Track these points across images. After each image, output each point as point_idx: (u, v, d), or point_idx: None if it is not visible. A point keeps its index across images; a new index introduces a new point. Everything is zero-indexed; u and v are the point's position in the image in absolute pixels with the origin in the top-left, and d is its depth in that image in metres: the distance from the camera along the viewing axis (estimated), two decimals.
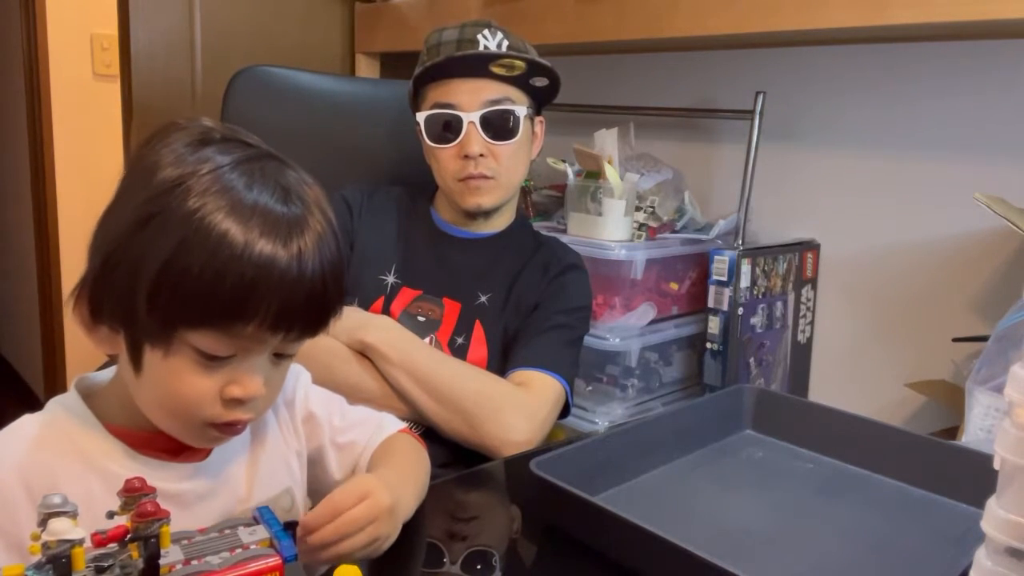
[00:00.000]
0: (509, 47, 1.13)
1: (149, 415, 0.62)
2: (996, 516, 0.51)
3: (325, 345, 1.03)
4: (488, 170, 1.14)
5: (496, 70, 1.12)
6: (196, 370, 0.58)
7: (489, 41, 1.12)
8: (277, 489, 0.71)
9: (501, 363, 1.14)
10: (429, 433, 1.03)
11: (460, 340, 1.14)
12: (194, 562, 0.51)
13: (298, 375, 0.77)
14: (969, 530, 0.56)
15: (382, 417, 0.83)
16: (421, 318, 1.15)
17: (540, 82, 1.17)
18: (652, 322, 1.53)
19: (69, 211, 2.71)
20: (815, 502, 0.84)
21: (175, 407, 0.60)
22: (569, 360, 1.14)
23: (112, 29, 1.96)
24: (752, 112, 1.50)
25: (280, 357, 0.63)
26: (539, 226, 1.54)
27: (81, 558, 0.47)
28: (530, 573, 0.74)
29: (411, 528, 0.71)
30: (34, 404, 3.00)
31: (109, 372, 0.67)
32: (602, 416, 1.50)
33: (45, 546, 0.46)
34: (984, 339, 1.03)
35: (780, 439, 0.96)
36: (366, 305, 1.15)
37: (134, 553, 0.50)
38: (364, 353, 1.06)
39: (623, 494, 0.82)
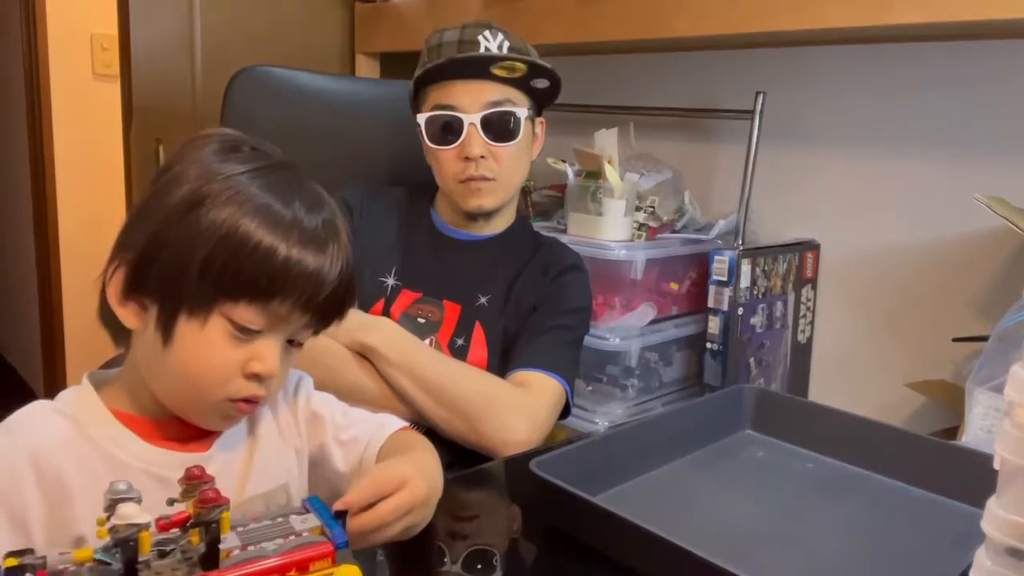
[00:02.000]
0: (510, 48, 1.13)
1: (166, 394, 0.66)
2: (996, 516, 0.51)
3: (325, 346, 1.03)
4: (489, 171, 1.14)
5: (497, 72, 1.12)
6: (227, 342, 0.63)
7: (490, 42, 1.12)
8: (272, 484, 0.72)
9: (501, 364, 1.14)
10: (429, 434, 1.02)
11: (460, 341, 1.14)
12: (250, 548, 0.53)
13: (301, 378, 0.79)
14: (969, 530, 0.56)
15: (384, 416, 0.84)
16: (421, 320, 1.15)
17: (541, 84, 1.17)
18: (652, 322, 1.53)
19: (69, 211, 2.71)
20: (815, 502, 0.84)
21: (200, 379, 0.64)
22: (569, 360, 1.14)
23: (112, 29, 1.96)
24: (752, 112, 1.50)
25: (291, 345, 0.68)
26: (539, 226, 1.54)
27: (147, 542, 0.50)
28: (530, 573, 0.74)
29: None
30: None
31: (117, 369, 0.70)
32: (602, 416, 1.50)
33: (113, 529, 0.48)
34: (984, 339, 1.03)
35: (780, 439, 0.96)
36: (366, 307, 1.15)
37: (193, 539, 0.52)
38: (364, 355, 1.06)
39: (623, 494, 0.82)
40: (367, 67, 2.18)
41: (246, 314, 0.63)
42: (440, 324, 1.15)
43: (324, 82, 1.54)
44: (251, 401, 0.66)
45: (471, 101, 1.12)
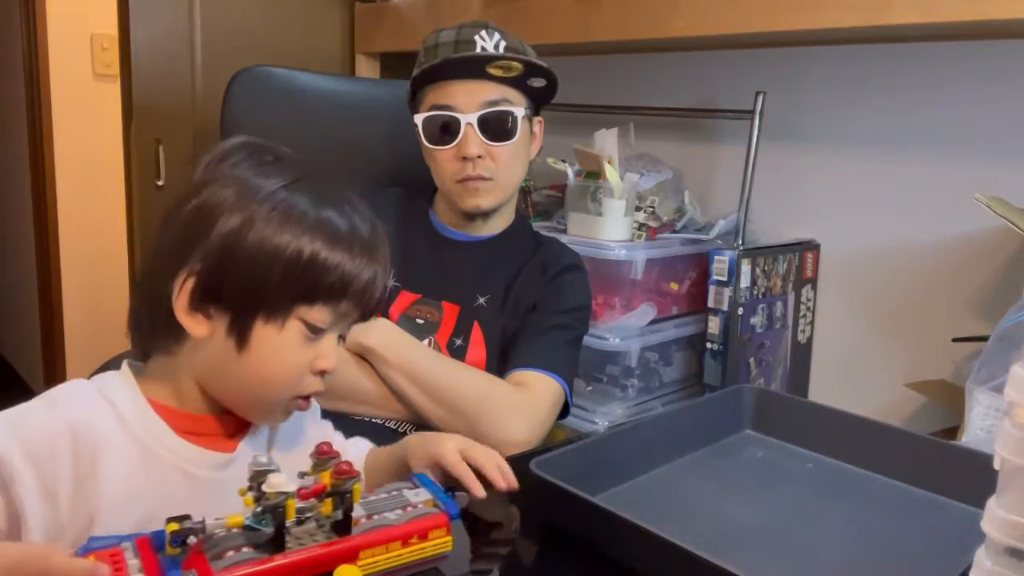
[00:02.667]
0: (507, 48, 1.13)
1: (233, 395, 0.69)
2: (996, 516, 0.51)
3: None
4: (486, 171, 1.14)
5: (493, 71, 1.12)
6: (301, 343, 0.68)
7: (486, 42, 1.12)
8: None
9: (500, 364, 1.14)
10: None
11: (459, 342, 1.14)
12: (375, 517, 0.59)
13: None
14: (969, 530, 0.56)
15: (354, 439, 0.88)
16: (420, 320, 1.15)
17: (538, 83, 1.17)
18: (652, 322, 1.53)
19: (69, 211, 2.71)
20: (815, 502, 0.84)
21: (276, 380, 0.68)
22: (568, 360, 1.14)
23: (112, 29, 1.96)
24: (752, 112, 1.50)
25: (340, 340, 0.73)
26: (539, 226, 1.54)
27: (293, 508, 0.55)
28: (530, 573, 0.74)
29: None
30: None
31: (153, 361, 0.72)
32: (602, 416, 1.50)
33: (264, 497, 0.53)
34: (984, 339, 1.03)
35: (780, 439, 0.96)
36: None
37: (325, 508, 0.57)
38: (363, 356, 1.06)
39: (623, 494, 0.82)
40: (367, 67, 2.18)
41: (319, 315, 0.68)
42: (439, 325, 1.15)
43: (324, 82, 1.54)
44: (310, 397, 0.71)
45: (468, 101, 1.12)
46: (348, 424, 1.04)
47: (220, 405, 0.71)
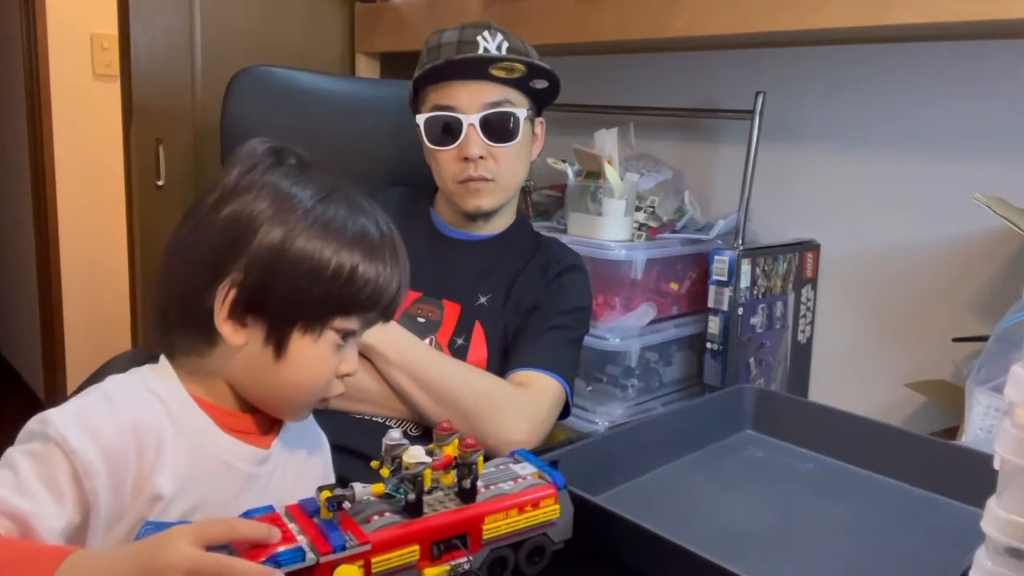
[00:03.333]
0: (509, 49, 1.13)
1: (267, 398, 0.71)
2: (996, 516, 0.51)
3: None
4: (488, 172, 1.14)
5: (496, 72, 1.12)
6: (333, 350, 0.70)
7: (489, 43, 1.12)
8: (311, 485, 0.74)
9: (501, 364, 1.14)
10: (429, 433, 1.03)
11: (460, 341, 1.14)
12: (492, 487, 0.65)
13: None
14: (969, 530, 0.56)
15: None
16: (421, 319, 1.15)
17: (540, 84, 1.17)
18: (652, 322, 1.53)
19: (69, 211, 2.71)
20: (815, 502, 0.84)
21: (309, 385, 0.71)
22: (569, 360, 1.14)
23: (112, 29, 1.96)
24: (752, 112, 1.50)
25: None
26: (539, 226, 1.54)
27: (428, 477, 0.61)
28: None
29: None
30: (34, 404, 3.01)
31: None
32: (602, 416, 1.50)
33: (404, 468, 0.60)
34: (984, 339, 1.03)
35: (780, 439, 0.96)
36: None
37: (447, 479, 0.63)
38: (364, 354, 1.06)
39: (623, 494, 0.82)
40: (367, 67, 2.18)
41: (352, 324, 0.71)
42: (440, 324, 1.15)
43: (324, 82, 1.54)
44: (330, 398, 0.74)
45: (470, 102, 1.12)
46: (348, 423, 1.05)
47: (250, 403, 0.72)
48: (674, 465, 0.90)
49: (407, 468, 0.59)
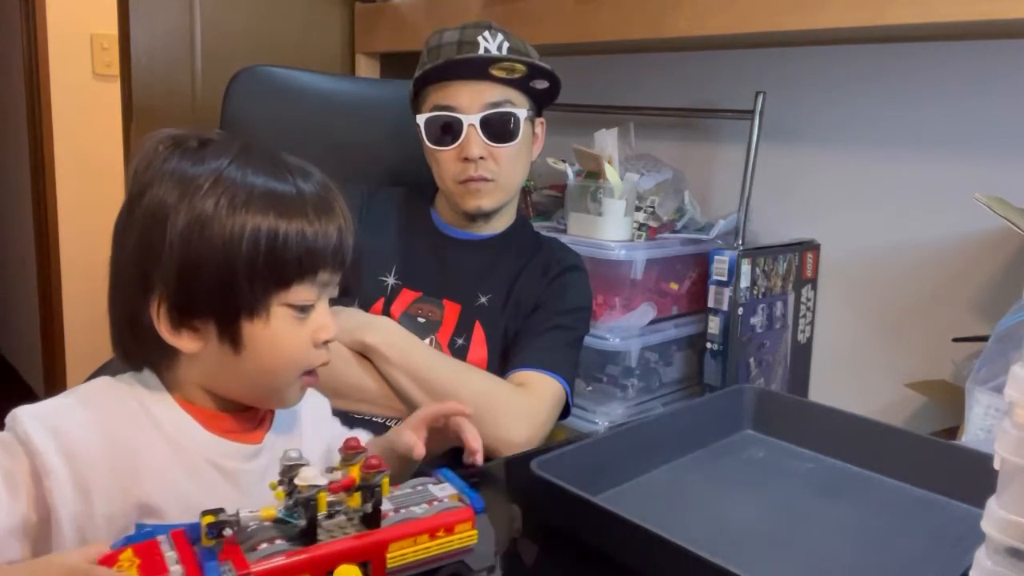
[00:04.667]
0: (510, 49, 1.13)
1: (245, 391, 0.69)
2: (996, 516, 0.51)
3: None
4: (488, 172, 1.14)
5: (496, 73, 1.12)
6: (293, 324, 0.67)
7: (489, 43, 1.12)
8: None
9: (501, 364, 1.14)
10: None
11: (460, 341, 1.14)
12: (402, 511, 0.60)
13: (324, 402, 0.84)
14: (969, 530, 0.56)
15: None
16: (421, 319, 1.15)
17: (540, 84, 1.17)
18: (652, 322, 1.53)
19: (69, 211, 2.71)
20: (815, 502, 0.84)
21: (281, 367, 0.68)
22: (569, 361, 1.14)
23: (112, 29, 1.95)
24: (752, 112, 1.50)
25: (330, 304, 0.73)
26: (539, 226, 1.54)
27: (324, 501, 0.56)
28: (530, 573, 0.74)
29: None
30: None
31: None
32: (602, 416, 1.50)
33: (296, 491, 0.54)
34: (984, 339, 1.03)
35: (780, 439, 0.96)
36: (366, 306, 1.15)
37: (353, 501, 0.57)
38: (364, 354, 1.06)
39: (623, 494, 0.82)
40: (367, 67, 2.18)
41: (300, 294, 0.67)
42: (440, 323, 1.15)
43: (324, 82, 1.54)
44: (315, 372, 0.71)
45: (470, 102, 1.12)
46: (348, 422, 1.04)
47: (232, 405, 0.71)
48: (674, 465, 0.90)
49: (299, 491, 0.55)
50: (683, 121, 1.79)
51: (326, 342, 0.70)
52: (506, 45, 1.13)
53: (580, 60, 1.95)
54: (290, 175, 0.67)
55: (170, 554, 0.53)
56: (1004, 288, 1.33)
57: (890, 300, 1.49)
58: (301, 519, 0.55)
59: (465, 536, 0.61)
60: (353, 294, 1.16)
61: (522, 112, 1.15)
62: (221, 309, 0.65)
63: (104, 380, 0.68)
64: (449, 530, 0.60)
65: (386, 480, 0.58)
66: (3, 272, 3.46)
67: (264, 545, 0.54)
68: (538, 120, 1.22)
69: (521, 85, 1.15)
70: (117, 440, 0.63)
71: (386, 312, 1.15)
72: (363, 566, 0.56)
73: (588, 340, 1.28)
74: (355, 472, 0.58)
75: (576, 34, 1.68)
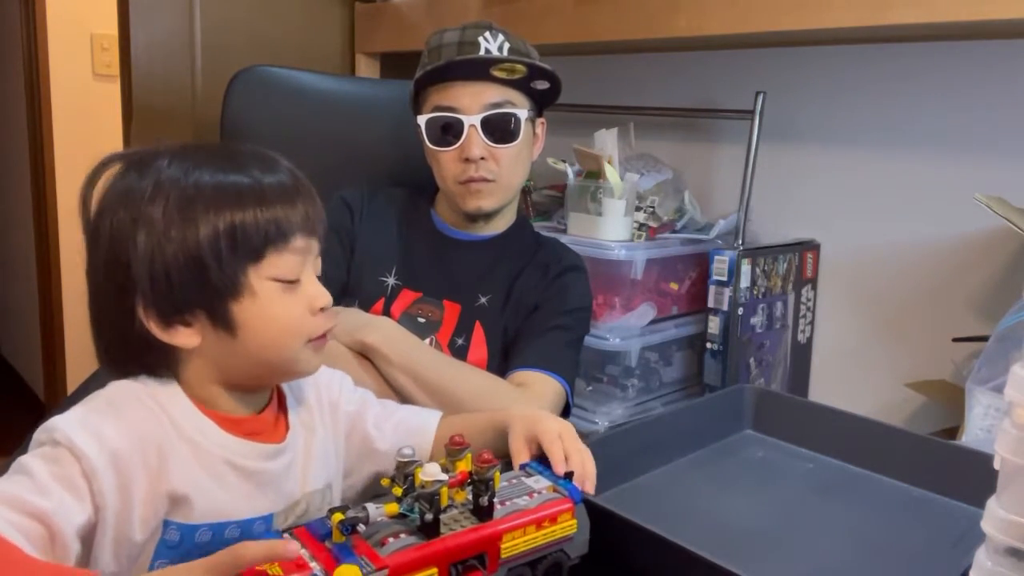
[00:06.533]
0: (510, 49, 1.13)
1: (255, 370, 0.69)
2: (996, 516, 0.51)
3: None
4: (489, 173, 1.14)
5: (497, 73, 1.12)
6: (282, 295, 0.67)
7: (490, 44, 1.12)
8: (320, 484, 0.75)
9: (501, 364, 1.14)
10: None
11: (460, 341, 1.14)
12: (507, 503, 0.63)
13: (342, 379, 0.83)
14: (969, 530, 0.56)
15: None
16: (421, 319, 1.15)
17: (541, 85, 1.17)
18: (652, 322, 1.53)
19: (69, 211, 2.70)
20: (815, 502, 0.84)
21: (280, 336, 0.68)
22: (569, 361, 1.14)
23: (112, 29, 1.96)
24: (752, 112, 1.50)
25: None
26: (539, 226, 1.54)
27: (445, 495, 0.58)
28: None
29: None
30: (34, 404, 2.99)
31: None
32: (602, 416, 1.50)
33: (419, 486, 0.57)
34: (984, 339, 1.03)
35: (780, 439, 0.96)
36: (366, 306, 1.15)
37: (459, 495, 0.61)
38: (364, 354, 1.06)
39: (623, 494, 0.82)
40: (367, 67, 2.18)
41: (280, 266, 0.66)
42: (440, 324, 1.15)
43: (324, 82, 1.54)
44: (326, 335, 0.71)
45: (471, 102, 1.12)
46: None
47: (250, 402, 0.71)
48: (674, 465, 0.90)
49: (422, 486, 0.57)
50: (683, 121, 1.79)
51: (323, 309, 0.69)
52: (507, 46, 1.13)
53: (580, 60, 1.95)
54: (245, 166, 0.67)
55: (303, 552, 0.55)
56: (1004, 288, 1.34)
57: (890, 300, 1.49)
58: (426, 513, 0.57)
59: (567, 526, 0.64)
60: (353, 294, 1.17)
61: (523, 112, 1.15)
62: (204, 298, 0.65)
63: (123, 383, 0.68)
64: (554, 520, 0.63)
65: (497, 474, 0.61)
66: (3, 272, 3.46)
67: (391, 540, 0.56)
68: (538, 120, 1.22)
69: (522, 86, 1.15)
70: (144, 440, 0.64)
71: (386, 312, 1.15)
72: (479, 557, 0.59)
73: (588, 340, 1.28)
74: (463, 466, 0.62)
75: (576, 34, 1.68)
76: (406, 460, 0.59)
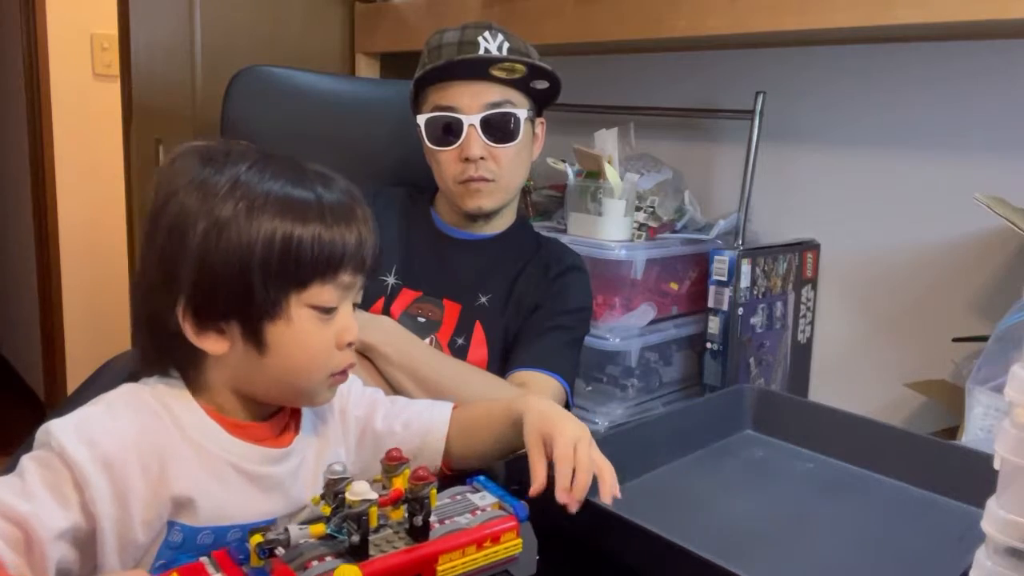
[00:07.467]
0: (510, 49, 1.13)
1: (272, 391, 0.69)
2: (996, 516, 0.51)
3: None
4: (488, 173, 1.14)
5: (497, 73, 1.12)
6: (317, 326, 0.67)
7: (490, 43, 1.12)
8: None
9: (501, 364, 1.14)
10: None
11: (460, 341, 1.14)
12: (447, 522, 0.59)
13: (351, 381, 0.82)
14: (969, 530, 0.56)
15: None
16: (421, 319, 1.15)
17: (541, 85, 1.17)
18: (652, 322, 1.53)
19: (69, 211, 2.71)
20: (815, 502, 0.84)
21: (307, 367, 0.68)
22: (569, 361, 1.14)
23: (112, 29, 1.95)
24: (752, 112, 1.50)
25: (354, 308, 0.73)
26: (539, 226, 1.54)
27: (376, 516, 0.55)
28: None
29: None
30: (34, 404, 2.99)
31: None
32: (602, 416, 1.50)
33: (345, 505, 0.54)
34: (984, 339, 1.03)
35: (780, 439, 0.96)
36: (366, 306, 1.15)
37: (394, 514, 0.57)
38: (364, 353, 1.06)
39: (623, 494, 0.82)
40: (367, 67, 2.18)
41: (322, 295, 0.67)
42: (440, 323, 1.15)
43: (324, 82, 1.54)
44: (347, 370, 0.71)
45: (471, 102, 1.12)
46: None
47: (261, 411, 0.71)
48: (674, 465, 0.90)
49: (350, 506, 0.54)
50: (683, 121, 1.79)
51: (350, 344, 0.70)
52: (506, 45, 1.13)
53: (580, 60, 1.95)
54: (310, 181, 0.68)
55: None
56: (1004, 288, 1.34)
57: (890, 300, 1.49)
58: (353, 535, 0.54)
59: (511, 545, 0.61)
60: None
61: (522, 112, 1.15)
62: (242, 311, 0.65)
63: (127, 387, 0.68)
64: (496, 539, 0.60)
65: (434, 491, 0.58)
66: (3, 272, 3.46)
67: (315, 563, 0.53)
68: (538, 120, 1.22)
69: (521, 85, 1.15)
70: (145, 444, 0.64)
71: (386, 312, 1.15)
72: None
73: (588, 340, 1.28)
74: (399, 483, 0.58)
75: (576, 34, 1.68)
76: (336, 477, 0.55)
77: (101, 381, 1.15)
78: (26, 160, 2.76)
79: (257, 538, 0.53)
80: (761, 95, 1.49)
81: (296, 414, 0.75)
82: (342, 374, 0.71)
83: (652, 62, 1.85)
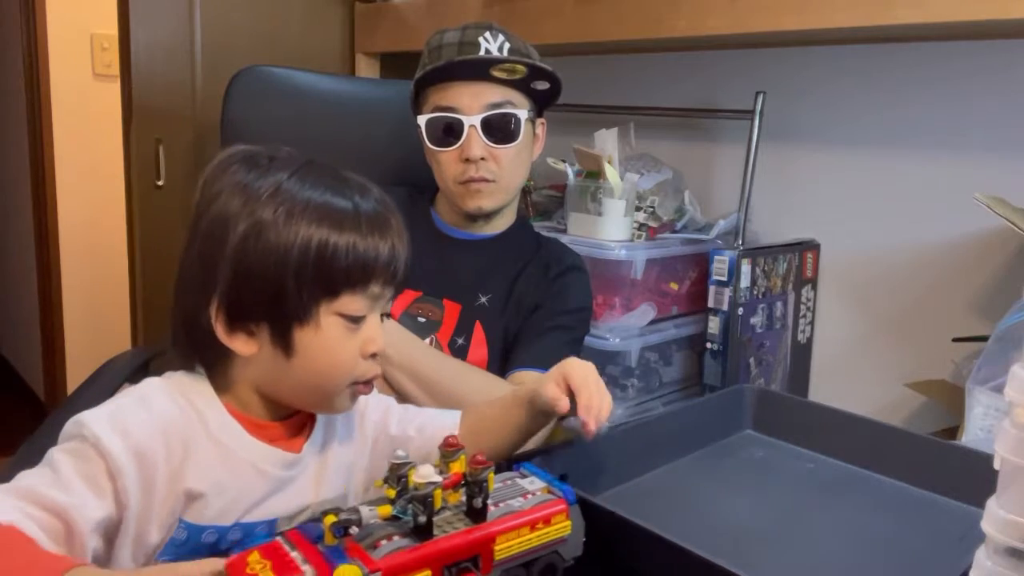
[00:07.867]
0: (510, 50, 1.13)
1: (295, 395, 0.71)
2: (996, 516, 0.51)
3: None
4: (489, 173, 1.14)
5: (497, 74, 1.12)
6: (344, 334, 0.68)
7: (490, 44, 1.12)
8: (334, 493, 0.76)
9: (501, 364, 1.14)
10: None
11: (460, 341, 1.14)
12: (501, 505, 0.63)
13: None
14: (969, 530, 0.56)
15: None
16: (421, 319, 1.15)
17: (541, 85, 1.17)
18: (652, 322, 1.53)
19: (69, 211, 2.71)
20: (815, 502, 0.84)
21: (331, 373, 0.69)
22: None
23: (112, 29, 1.96)
24: (752, 112, 1.50)
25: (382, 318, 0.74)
26: (539, 226, 1.54)
27: (439, 497, 0.58)
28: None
29: None
30: (34, 404, 2.99)
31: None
32: None
33: (412, 488, 0.57)
34: (984, 339, 1.03)
35: (780, 439, 0.96)
36: None
37: (452, 497, 0.60)
38: None
39: (623, 494, 0.82)
40: (367, 67, 2.18)
41: (351, 304, 0.68)
42: (440, 323, 1.15)
43: (324, 82, 1.54)
44: (372, 380, 0.72)
45: (471, 103, 1.12)
46: None
47: (280, 411, 0.72)
48: (674, 465, 0.90)
49: (416, 488, 0.57)
50: (683, 121, 1.79)
51: (374, 355, 0.71)
52: (507, 46, 1.13)
53: (580, 60, 1.95)
54: (349, 191, 0.70)
55: (295, 554, 0.55)
56: (1004, 288, 1.34)
57: (890, 300, 1.49)
58: (420, 516, 0.57)
59: (561, 527, 0.64)
60: None
61: (523, 113, 1.15)
62: (272, 314, 0.67)
63: (156, 380, 0.70)
64: (547, 522, 0.63)
65: (492, 475, 0.61)
66: (3, 272, 3.46)
67: (384, 542, 0.56)
68: (539, 121, 1.22)
69: (522, 86, 1.15)
70: (171, 438, 0.65)
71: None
72: (473, 559, 0.59)
73: (588, 340, 1.28)
74: (457, 467, 0.61)
75: (576, 34, 1.68)
76: (399, 462, 0.58)
77: (101, 381, 1.15)
78: (26, 160, 2.76)
79: (331, 518, 0.55)
80: (761, 95, 1.49)
81: (312, 416, 0.75)
82: (366, 384, 0.72)
83: (652, 62, 1.85)
